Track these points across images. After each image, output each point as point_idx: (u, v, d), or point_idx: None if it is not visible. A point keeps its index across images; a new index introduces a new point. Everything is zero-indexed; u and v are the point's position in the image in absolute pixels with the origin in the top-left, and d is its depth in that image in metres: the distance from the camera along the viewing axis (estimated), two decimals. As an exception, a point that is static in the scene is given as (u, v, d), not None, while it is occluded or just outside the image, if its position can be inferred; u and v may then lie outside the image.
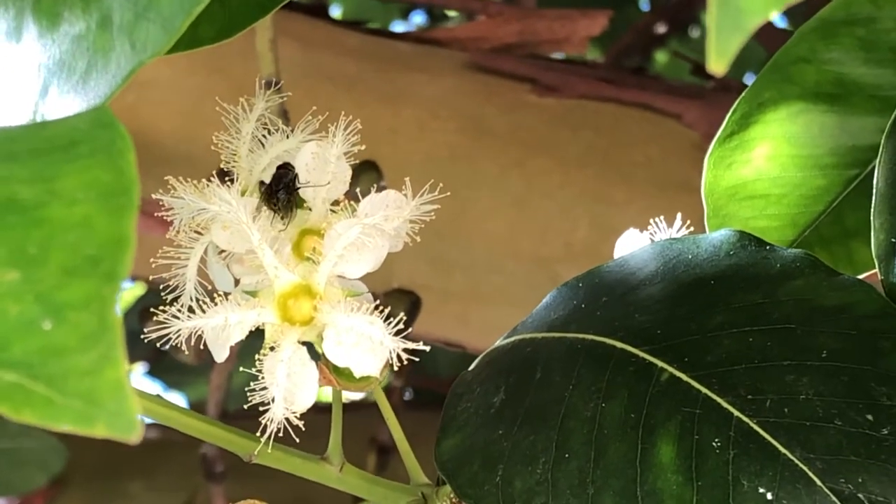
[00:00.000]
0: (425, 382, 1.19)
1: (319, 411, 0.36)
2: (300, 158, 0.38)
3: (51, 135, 0.23)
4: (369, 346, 0.34)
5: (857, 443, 0.33)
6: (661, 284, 0.38)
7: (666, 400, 0.35)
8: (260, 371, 0.35)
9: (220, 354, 0.36)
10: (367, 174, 0.62)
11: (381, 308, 0.35)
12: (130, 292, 1.22)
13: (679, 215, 0.43)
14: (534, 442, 0.36)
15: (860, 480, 0.32)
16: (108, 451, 1.09)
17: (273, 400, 0.34)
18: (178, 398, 1.30)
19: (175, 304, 0.36)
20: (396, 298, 0.66)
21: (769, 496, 0.33)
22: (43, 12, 0.32)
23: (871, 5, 0.44)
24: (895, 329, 0.35)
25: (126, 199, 0.20)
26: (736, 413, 0.34)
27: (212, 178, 0.37)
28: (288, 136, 0.38)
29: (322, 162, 0.38)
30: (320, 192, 0.37)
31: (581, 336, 0.38)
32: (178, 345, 0.35)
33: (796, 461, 0.33)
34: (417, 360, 0.35)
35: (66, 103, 0.32)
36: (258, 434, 0.35)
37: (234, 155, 0.38)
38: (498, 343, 0.41)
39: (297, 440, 0.35)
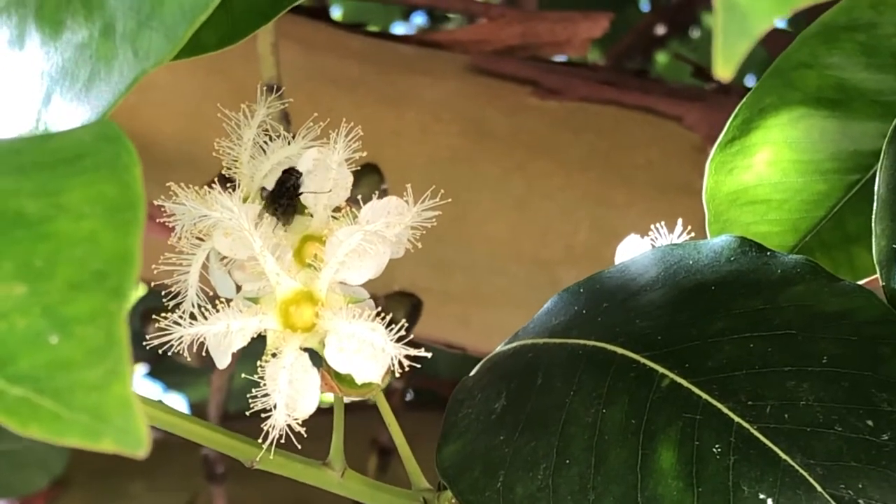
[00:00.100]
0: (426, 383, 1.19)
1: (320, 413, 0.36)
2: (302, 165, 0.38)
3: (55, 147, 0.23)
4: (371, 353, 0.34)
5: (857, 448, 0.33)
6: (661, 290, 0.39)
7: (667, 406, 0.35)
8: (262, 377, 0.35)
9: (222, 361, 0.36)
10: (368, 178, 0.62)
11: (382, 314, 0.35)
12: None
13: (680, 220, 0.43)
14: (535, 448, 0.36)
15: (860, 486, 0.33)
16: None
17: (275, 406, 0.34)
18: (178, 399, 1.30)
19: (177, 310, 0.36)
20: (397, 301, 0.66)
21: (770, 502, 0.33)
22: (46, 20, 0.33)
23: (873, 11, 0.44)
24: (895, 335, 0.35)
25: (132, 215, 0.20)
26: (736, 419, 0.34)
27: (213, 185, 0.37)
28: (289, 143, 0.38)
29: (323, 168, 0.38)
30: (322, 199, 0.37)
31: (582, 342, 0.38)
32: (180, 351, 0.35)
33: (797, 467, 0.33)
34: (419, 366, 0.35)
35: (68, 111, 0.32)
36: (260, 438, 0.35)
37: (236, 161, 0.39)
38: (499, 349, 0.41)
39: (299, 444, 0.35)
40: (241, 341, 0.35)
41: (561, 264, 0.84)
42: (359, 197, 0.37)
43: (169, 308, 0.37)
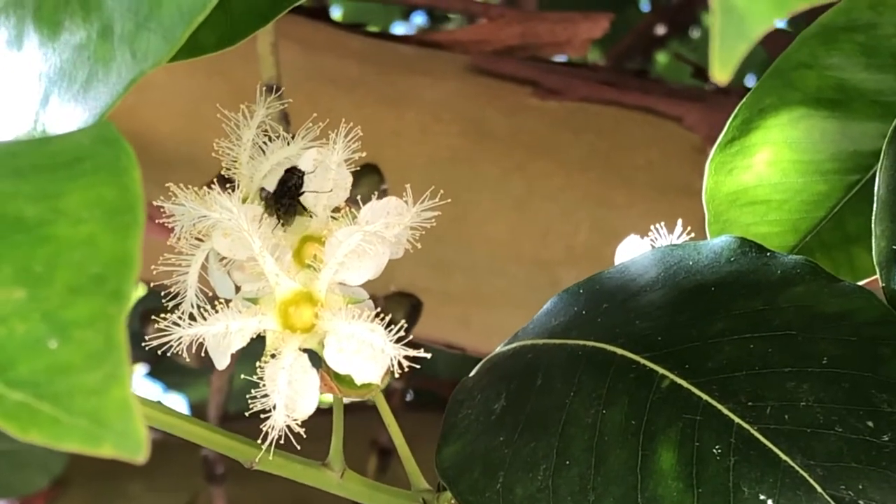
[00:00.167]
0: (425, 383, 1.19)
1: (320, 413, 0.36)
2: (301, 165, 0.38)
3: (54, 151, 0.23)
4: (370, 354, 0.34)
5: (857, 449, 0.33)
6: (661, 291, 0.38)
7: (667, 407, 0.35)
8: (261, 378, 0.35)
9: (222, 362, 0.36)
10: (368, 178, 0.62)
11: (382, 315, 0.35)
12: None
13: (680, 221, 0.43)
14: (535, 449, 0.36)
15: (861, 487, 0.32)
16: (109, 452, 1.09)
17: (274, 407, 0.34)
18: (178, 399, 1.30)
19: (176, 310, 0.36)
20: (397, 302, 0.66)
21: (770, 503, 0.33)
22: (44, 21, 0.33)
23: (872, 11, 0.44)
24: (895, 336, 0.35)
25: (131, 218, 0.20)
26: (737, 420, 0.34)
27: (213, 185, 0.37)
28: (289, 143, 0.38)
29: (323, 169, 0.38)
30: (321, 199, 0.37)
31: (582, 343, 0.38)
32: (179, 352, 0.35)
33: (797, 468, 0.33)
34: (419, 367, 0.35)
35: (66, 112, 0.32)
36: (259, 439, 0.35)
37: (235, 162, 0.39)
38: (499, 349, 0.41)
39: (298, 444, 0.35)
40: (241, 342, 0.35)
41: (561, 265, 0.84)
42: (358, 197, 0.37)
43: (168, 309, 0.36)
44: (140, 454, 0.18)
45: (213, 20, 0.35)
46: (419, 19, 1.47)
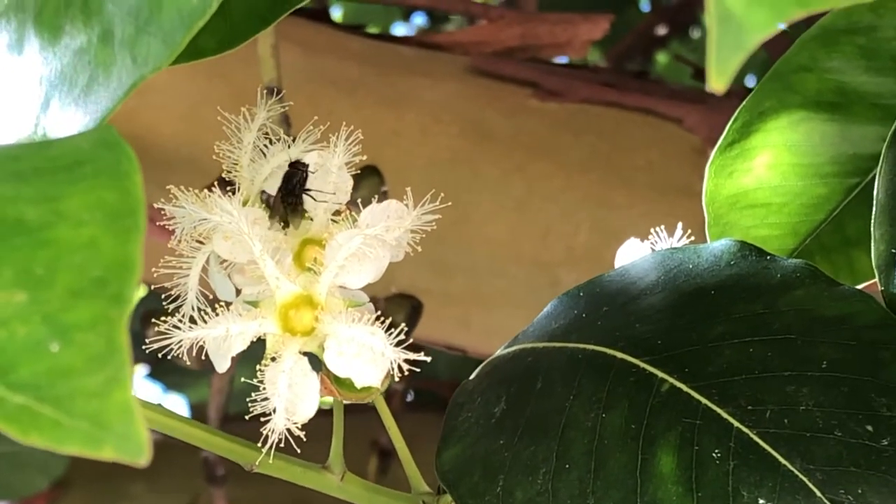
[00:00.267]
0: (426, 384, 1.19)
1: (321, 414, 0.36)
2: (303, 166, 0.38)
3: (55, 154, 0.23)
4: (370, 357, 0.34)
5: (857, 454, 0.33)
6: (661, 294, 0.39)
7: (666, 410, 0.35)
8: (261, 381, 0.35)
9: (222, 365, 0.36)
10: (369, 180, 0.62)
11: (382, 318, 0.35)
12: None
13: (680, 224, 0.43)
14: (534, 452, 0.36)
15: (860, 491, 0.33)
16: (109, 453, 1.09)
17: (274, 410, 0.34)
18: (179, 400, 1.30)
19: (177, 313, 0.36)
20: (397, 304, 0.66)
21: (769, 506, 0.33)
22: (44, 25, 0.33)
23: (872, 14, 0.44)
24: (895, 340, 0.35)
25: (132, 221, 0.20)
26: (736, 424, 0.34)
27: (213, 188, 0.37)
28: (289, 146, 0.38)
29: (323, 172, 0.38)
30: (322, 202, 0.37)
31: (582, 346, 0.38)
32: (180, 355, 0.35)
33: (796, 472, 0.33)
34: (419, 370, 0.35)
35: (67, 117, 0.32)
36: (260, 441, 0.35)
37: (236, 164, 0.39)
38: (499, 352, 0.41)
39: (298, 445, 0.35)
40: (241, 345, 0.35)
41: (561, 266, 0.84)
42: (359, 200, 0.37)
43: (169, 311, 0.37)
44: (141, 457, 0.18)
45: (212, 24, 0.35)
46: (419, 20, 1.47)
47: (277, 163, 0.39)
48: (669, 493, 0.34)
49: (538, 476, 0.35)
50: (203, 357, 0.37)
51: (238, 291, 0.38)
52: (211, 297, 0.38)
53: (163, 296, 0.38)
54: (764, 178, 0.45)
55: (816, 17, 0.45)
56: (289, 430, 0.35)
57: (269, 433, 0.34)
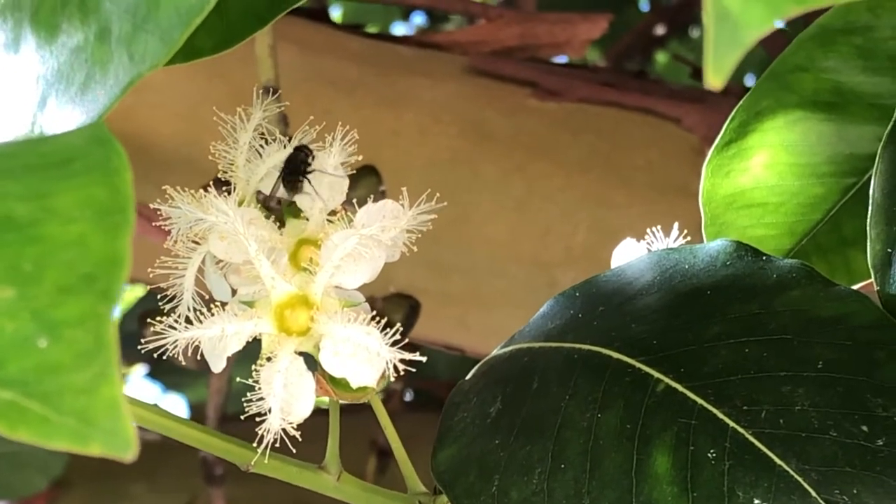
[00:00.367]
0: (425, 384, 1.19)
1: (320, 414, 0.36)
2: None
3: (45, 151, 0.23)
4: (366, 357, 0.34)
5: (852, 454, 0.33)
6: (657, 294, 0.38)
7: (662, 410, 0.35)
8: (257, 381, 0.35)
9: (217, 365, 0.36)
10: (366, 179, 0.62)
11: (378, 318, 0.35)
12: (131, 293, 1.22)
13: (676, 224, 0.43)
14: (530, 452, 0.36)
15: (855, 492, 0.32)
16: (108, 453, 1.09)
17: (270, 410, 0.34)
18: (177, 400, 1.30)
19: (173, 313, 0.36)
20: (395, 303, 0.66)
21: (764, 507, 0.33)
22: (41, 24, 0.33)
23: (869, 14, 0.44)
24: (891, 340, 0.35)
25: (121, 218, 0.20)
26: (731, 424, 0.34)
27: (209, 188, 0.37)
28: (285, 146, 0.38)
29: (319, 172, 0.38)
30: (317, 202, 0.37)
31: (578, 346, 0.38)
32: (176, 355, 0.35)
33: (792, 472, 0.33)
34: (415, 370, 0.35)
35: (64, 115, 0.32)
36: (256, 440, 0.35)
37: (232, 165, 0.39)
38: (495, 352, 0.41)
39: (296, 445, 0.35)
40: (237, 345, 0.35)
41: (560, 266, 0.84)
42: (354, 200, 0.37)
43: (165, 311, 0.37)
44: (128, 453, 0.18)
45: (209, 23, 0.35)
46: (419, 19, 1.47)
47: (273, 163, 0.39)
48: (665, 493, 0.34)
49: (534, 476, 0.35)
50: (199, 357, 0.37)
51: (234, 291, 0.38)
52: (207, 297, 0.38)
53: (159, 296, 0.38)
54: (761, 178, 0.45)
55: (815, 16, 0.45)
56: (285, 430, 0.34)
57: (265, 433, 0.34)
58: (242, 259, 0.36)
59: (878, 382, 0.34)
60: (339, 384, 0.36)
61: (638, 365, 0.36)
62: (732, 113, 0.45)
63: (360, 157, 0.38)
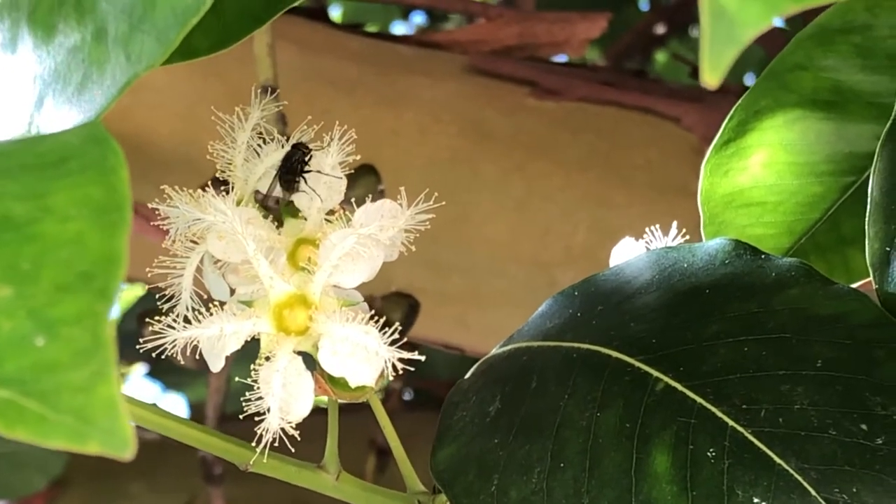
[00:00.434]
0: (424, 383, 1.19)
1: (319, 413, 0.36)
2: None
3: (42, 150, 0.23)
4: (365, 356, 0.34)
5: (851, 453, 0.33)
6: (656, 293, 0.38)
7: (661, 409, 0.35)
8: (255, 381, 0.35)
9: (216, 364, 0.36)
10: (365, 179, 0.62)
11: (376, 317, 0.35)
12: (130, 293, 1.22)
13: (675, 223, 0.43)
14: (529, 451, 0.36)
15: (854, 490, 0.32)
16: (108, 452, 1.09)
17: (269, 410, 0.34)
18: (177, 399, 1.30)
19: (171, 312, 0.36)
20: (394, 302, 0.66)
21: (764, 506, 0.33)
22: (38, 24, 0.33)
23: (868, 13, 0.44)
24: (890, 338, 0.35)
25: (118, 216, 0.20)
26: (731, 423, 0.34)
27: (207, 188, 0.37)
28: (283, 145, 0.38)
29: (317, 172, 0.38)
30: (315, 202, 0.37)
31: (577, 345, 0.38)
32: (174, 354, 0.35)
33: (791, 471, 0.33)
34: (413, 369, 0.35)
35: (61, 115, 0.32)
36: (255, 440, 0.35)
37: (230, 164, 0.39)
38: (494, 351, 0.41)
39: (295, 444, 0.35)
40: (235, 345, 0.35)
41: (559, 265, 0.84)
42: (353, 199, 0.37)
43: (163, 311, 0.37)
44: (126, 451, 0.18)
45: (205, 23, 0.35)
46: (419, 19, 1.47)
47: (271, 162, 0.39)
48: (664, 492, 0.34)
49: (533, 475, 0.35)
50: (198, 356, 0.37)
51: (232, 291, 0.38)
52: (205, 296, 0.38)
53: (157, 296, 0.38)
54: (759, 177, 0.45)
55: (814, 15, 0.45)
56: (284, 429, 0.34)
57: (264, 432, 0.34)
58: (241, 258, 0.36)
59: (878, 381, 0.34)
60: (338, 383, 0.36)
61: (637, 364, 0.36)
62: (731, 112, 0.45)
63: (360, 157, 0.38)
